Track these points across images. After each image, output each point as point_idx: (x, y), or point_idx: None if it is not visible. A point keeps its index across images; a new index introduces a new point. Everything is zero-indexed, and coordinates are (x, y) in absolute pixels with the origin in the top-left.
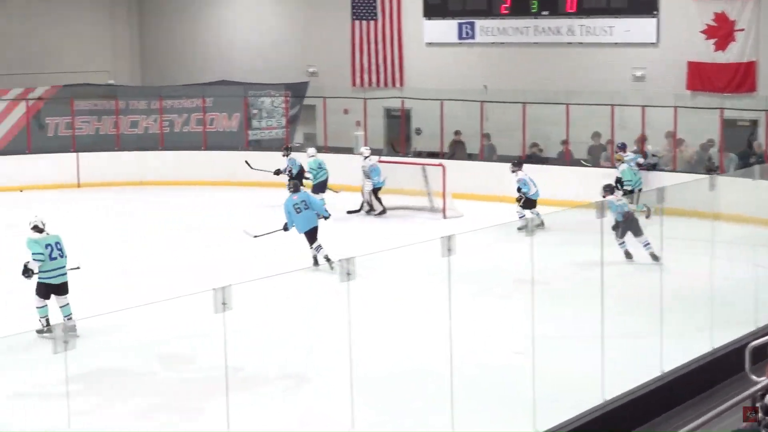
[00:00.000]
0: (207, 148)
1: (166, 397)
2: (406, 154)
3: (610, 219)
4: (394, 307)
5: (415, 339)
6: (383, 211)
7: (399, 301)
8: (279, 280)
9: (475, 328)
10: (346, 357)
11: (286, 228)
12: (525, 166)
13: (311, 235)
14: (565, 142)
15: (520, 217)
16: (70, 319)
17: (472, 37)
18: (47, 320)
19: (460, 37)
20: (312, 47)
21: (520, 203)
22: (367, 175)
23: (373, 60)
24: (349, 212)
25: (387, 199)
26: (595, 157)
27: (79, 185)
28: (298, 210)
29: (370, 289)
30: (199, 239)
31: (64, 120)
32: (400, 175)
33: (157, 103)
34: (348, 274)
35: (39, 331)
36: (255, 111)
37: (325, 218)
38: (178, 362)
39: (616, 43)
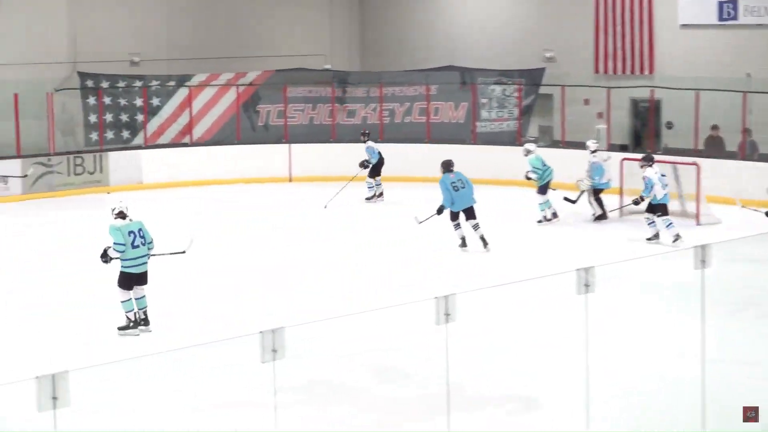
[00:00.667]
0: (430, 141)
1: (379, 414)
2: (654, 152)
3: None
4: (636, 323)
5: (659, 360)
6: (602, 216)
7: (642, 316)
8: (506, 289)
9: (731, 354)
10: (581, 378)
11: (440, 211)
12: None
13: (470, 212)
14: None
15: (649, 224)
16: (145, 313)
17: (735, 17)
18: (134, 315)
19: (720, 18)
20: (549, 29)
21: (638, 204)
22: (590, 172)
23: (618, 44)
24: (566, 199)
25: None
26: None
27: (290, 179)
28: (456, 188)
29: (610, 303)
30: (423, 240)
31: (277, 108)
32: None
33: (376, 90)
34: (586, 285)
35: (122, 328)
36: (484, 100)
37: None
38: (393, 377)
39: None
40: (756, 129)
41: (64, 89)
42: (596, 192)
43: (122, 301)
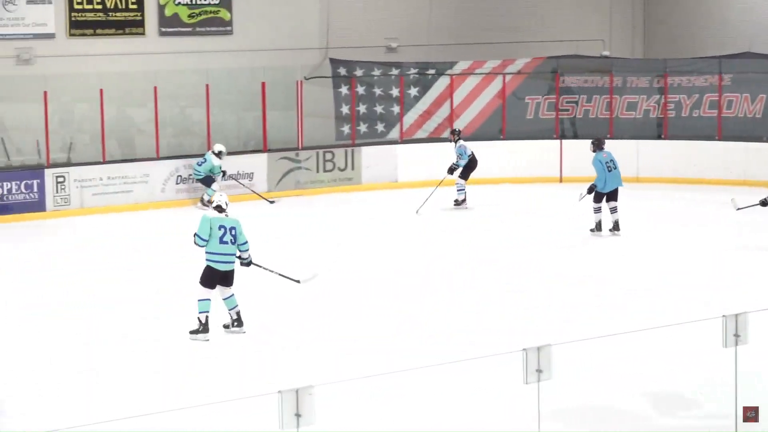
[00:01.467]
0: (722, 138)
1: None
2: None
3: None
4: None
5: None
6: None
7: None
8: None
9: None
10: None
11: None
12: None
13: (614, 194)
14: None
15: None
16: (238, 313)
17: None
18: (206, 318)
19: None
20: None
21: None
22: None
23: None
24: None
25: None
26: None
27: (561, 180)
28: (609, 168)
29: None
30: (704, 252)
31: (547, 99)
32: None
33: (661, 80)
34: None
35: (193, 332)
36: None
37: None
38: (677, 405)
39: None
40: None
41: (315, 77)
42: None
43: (199, 300)
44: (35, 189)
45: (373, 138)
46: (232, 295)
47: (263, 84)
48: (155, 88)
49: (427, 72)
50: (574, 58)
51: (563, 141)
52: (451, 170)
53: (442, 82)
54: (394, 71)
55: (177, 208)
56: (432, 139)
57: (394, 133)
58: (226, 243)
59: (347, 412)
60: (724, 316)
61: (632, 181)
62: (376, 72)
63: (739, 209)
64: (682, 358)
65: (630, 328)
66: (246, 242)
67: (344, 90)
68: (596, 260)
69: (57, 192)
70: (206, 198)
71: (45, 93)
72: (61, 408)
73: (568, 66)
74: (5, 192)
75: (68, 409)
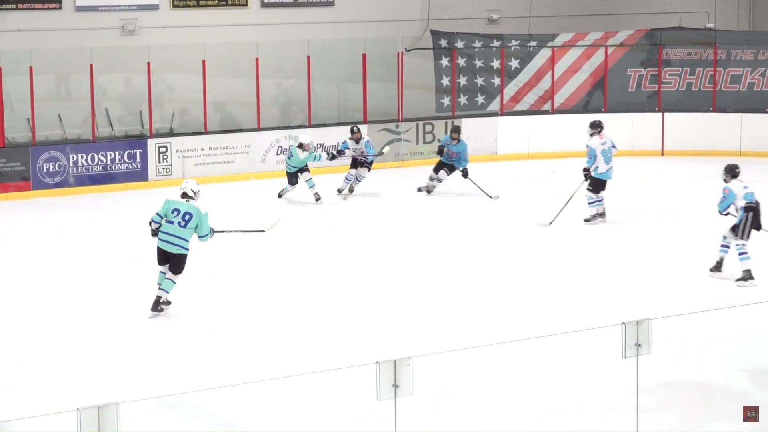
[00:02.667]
0: None
1: (756, 426)
2: None
3: None
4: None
5: None
6: None
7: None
8: None
9: None
10: None
11: None
12: None
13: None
14: None
15: None
16: (159, 297)
17: None
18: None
19: None
20: None
21: None
22: None
23: None
24: None
25: None
26: None
27: (662, 153)
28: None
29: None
30: None
31: (650, 72)
32: None
33: (766, 52)
34: None
35: (155, 307)
36: None
37: None
38: None
39: None
40: None
41: (415, 49)
42: None
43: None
44: (138, 159)
45: (473, 110)
46: (171, 281)
47: (364, 56)
48: (257, 59)
49: (528, 44)
50: (678, 30)
51: (666, 114)
52: (587, 176)
53: (544, 55)
54: (495, 43)
55: (277, 179)
56: (532, 111)
57: (495, 106)
58: (172, 223)
59: (444, 384)
60: None
61: (735, 155)
62: (477, 44)
63: None
64: None
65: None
66: (206, 235)
67: (445, 62)
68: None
69: (159, 162)
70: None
71: (148, 64)
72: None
73: (671, 38)
74: (109, 161)
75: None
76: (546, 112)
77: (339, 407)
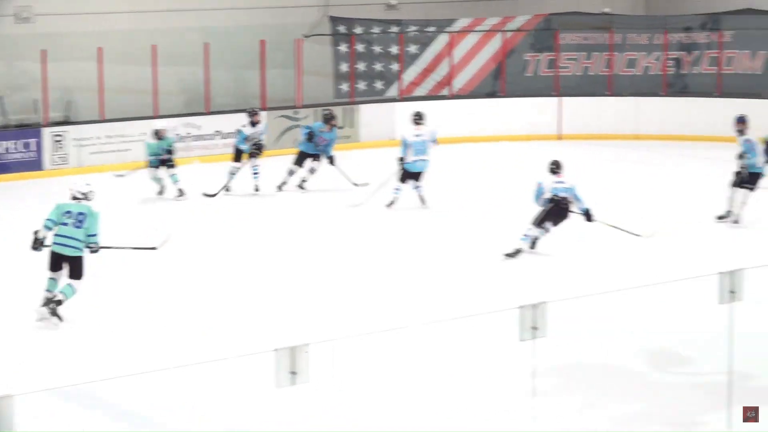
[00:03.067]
0: (722, 95)
1: (652, 404)
2: None
3: None
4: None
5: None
6: None
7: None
8: None
9: None
10: None
11: None
12: None
13: None
14: None
15: None
16: (59, 303)
17: None
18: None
19: None
20: None
21: None
22: None
23: None
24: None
25: None
26: None
27: (560, 137)
28: None
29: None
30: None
31: (547, 57)
32: None
33: (661, 37)
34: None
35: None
36: None
37: None
38: (671, 361)
39: None
40: None
41: (314, 35)
42: None
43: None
44: (33, 148)
45: (371, 96)
46: (70, 285)
47: (262, 42)
48: (154, 46)
49: (427, 29)
50: (574, 15)
51: (563, 99)
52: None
53: (442, 40)
54: (394, 29)
55: (179, 167)
56: (431, 96)
57: (393, 91)
58: (66, 225)
59: (342, 371)
60: (720, 273)
61: (632, 139)
62: (376, 30)
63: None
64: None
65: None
66: (95, 235)
67: (343, 48)
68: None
69: (55, 151)
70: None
71: (43, 52)
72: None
73: (568, 23)
74: (3, 150)
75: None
76: (444, 97)
77: (237, 395)
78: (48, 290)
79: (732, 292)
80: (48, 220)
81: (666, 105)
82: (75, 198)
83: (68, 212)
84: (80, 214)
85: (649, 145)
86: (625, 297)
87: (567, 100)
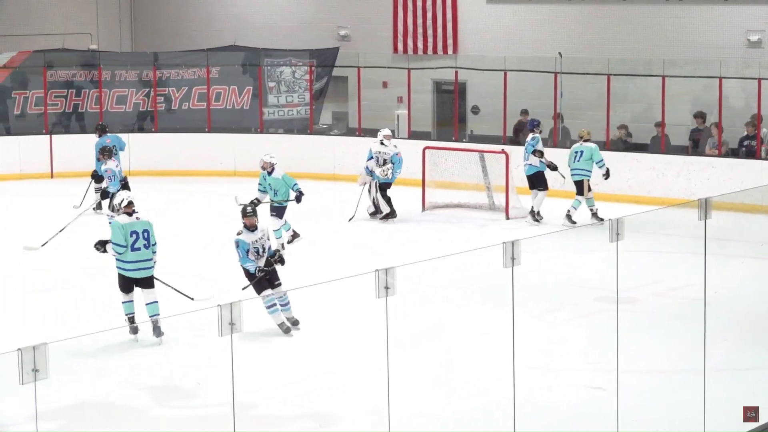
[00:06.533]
0: (211, 130)
1: None
2: (459, 139)
3: None
4: (442, 329)
5: (469, 370)
6: (391, 214)
7: (448, 322)
8: (299, 294)
9: (542, 358)
10: (382, 393)
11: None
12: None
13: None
14: (660, 125)
15: None
16: (156, 321)
17: None
18: (132, 318)
19: None
20: (344, 5)
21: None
22: (383, 166)
23: (420, 20)
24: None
25: (437, 195)
26: (700, 143)
27: (52, 176)
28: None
29: (413, 308)
30: (200, 245)
31: (35, 94)
32: (452, 164)
33: (150, 73)
34: (386, 288)
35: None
36: (272, 84)
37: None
38: (174, 396)
39: None
40: (568, 114)
41: None
42: (383, 187)
43: (122, 302)
44: None
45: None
46: (155, 301)
47: None
48: None
49: None
50: (61, 51)
51: (53, 136)
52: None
53: None
54: None
55: None
56: None
57: None
58: (139, 249)
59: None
60: (219, 305)
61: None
62: None
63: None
64: (183, 349)
65: None
66: (156, 242)
67: None
68: None
69: None
70: None
71: None
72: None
73: (56, 60)
74: None
75: None
76: None
77: None
78: (130, 313)
79: (232, 323)
80: (119, 245)
81: (157, 140)
82: (131, 212)
83: (134, 233)
84: (145, 231)
85: (139, 180)
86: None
87: (57, 138)
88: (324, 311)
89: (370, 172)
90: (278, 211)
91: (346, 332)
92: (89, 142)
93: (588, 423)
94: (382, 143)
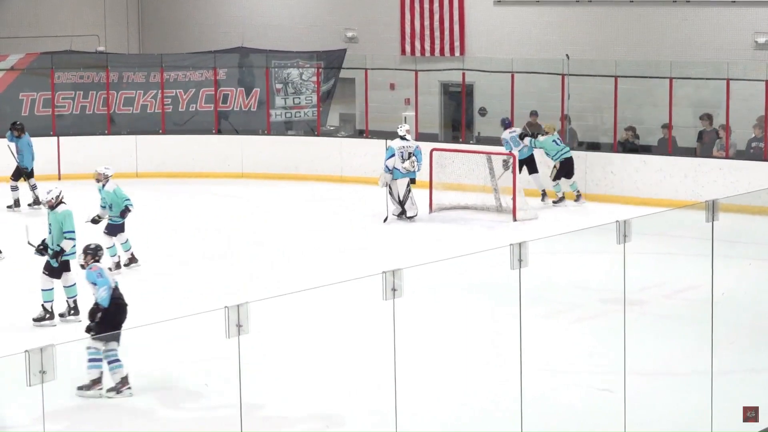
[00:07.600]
0: (219, 132)
1: None
2: (467, 141)
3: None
4: (449, 331)
5: (476, 372)
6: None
7: (456, 323)
8: (306, 296)
9: (549, 359)
10: (389, 394)
11: None
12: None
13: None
14: (667, 127)
15: None
16: (75, 301)
17: None
18: (51, 307)
19: None
20: (351, 6)
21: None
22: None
23: (426, 22)
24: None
25: (444, 196)
26: (707, 145)
27: (59, 177)
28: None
29: (421, 309)
30: (209, 246)
31: (43, 96)
32: (460, 166)
33: (157, 75)
34: (393, 289)
35: (37, 320)
36: (279, 86)
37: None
38: (181, 397)
39: (734, 1)
40: (576, 116)
41: None
42: (413, 181)
43: (44, 290)
44: None
45: None
46: (75, 284)
47: None
48: None
49: None
50: (69, 53)
51: (60, 138)
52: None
53: None
54: None
55: None
56: None
57: None
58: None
59: None
60: (226, 307)
61: (131, 177)
62: None
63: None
64: (191, 351)
65: None
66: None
67: None
68: None
69: None
70: None
71: None
72: None
73: (63, 62)
74: None
75: None
76: None
77: None
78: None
79: (239, 325)
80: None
81: (165, 142)
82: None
83: None
84: None
85: (149, 183)
86: (134, 336)
87: (64, 140)
88: (331, 312)
89: (390, 170)
90: (110, 228)
91: (353, 333)
92: (97, 144)
93: (595, 424)
94: (404, 138)
